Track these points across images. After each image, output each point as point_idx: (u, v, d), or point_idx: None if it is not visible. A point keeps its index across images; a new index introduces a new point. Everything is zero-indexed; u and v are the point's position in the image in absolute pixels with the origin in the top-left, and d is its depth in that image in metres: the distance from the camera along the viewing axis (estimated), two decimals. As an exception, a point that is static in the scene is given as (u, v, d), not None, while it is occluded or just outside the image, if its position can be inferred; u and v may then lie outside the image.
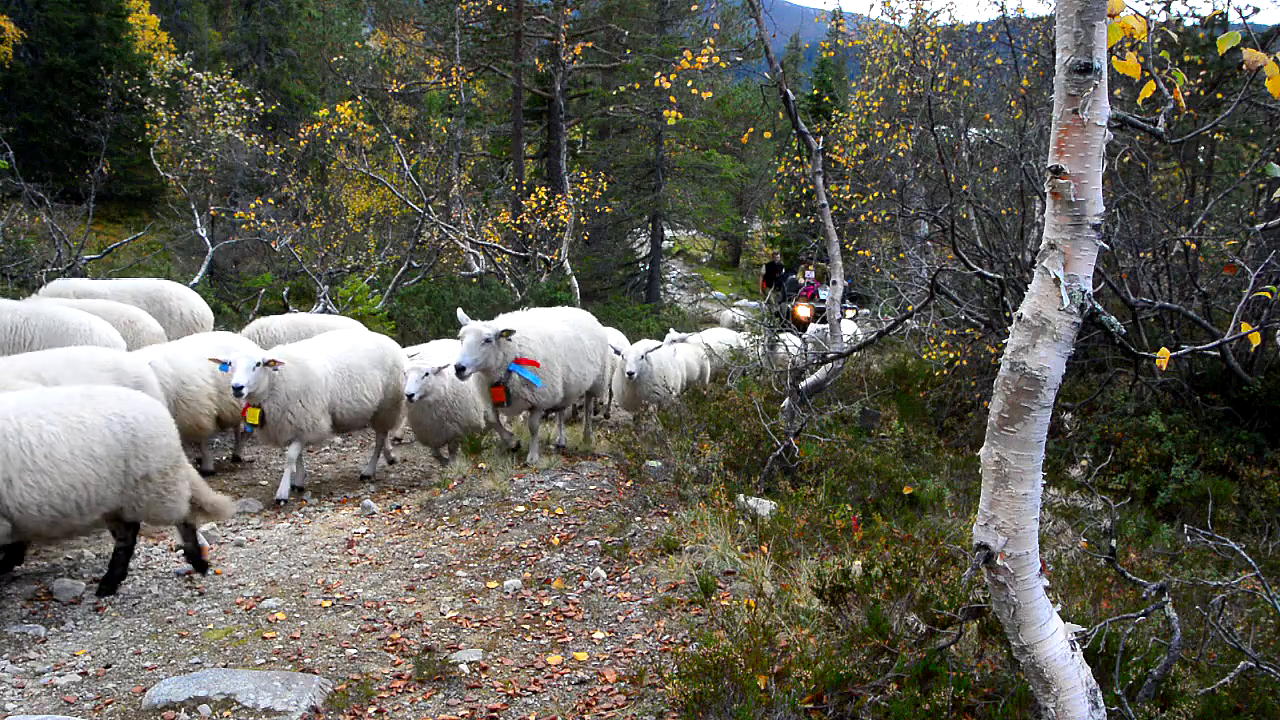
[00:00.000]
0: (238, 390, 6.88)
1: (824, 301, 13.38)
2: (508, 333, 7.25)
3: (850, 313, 12.96)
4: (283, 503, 7.27)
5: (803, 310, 14.66)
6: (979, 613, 3.50)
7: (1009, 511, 2.69)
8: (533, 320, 7.94)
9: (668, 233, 32.23)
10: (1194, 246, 8.15)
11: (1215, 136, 9.00)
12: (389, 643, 4.64)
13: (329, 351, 7.84)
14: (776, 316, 12.06)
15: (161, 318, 9.08)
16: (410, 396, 7.33)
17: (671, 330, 11.03)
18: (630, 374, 9.00)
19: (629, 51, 24.02)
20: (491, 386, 7.47)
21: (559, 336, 7.93)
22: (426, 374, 7.43)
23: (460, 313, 7.55)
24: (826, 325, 9.53)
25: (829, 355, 8.19)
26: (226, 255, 21.27)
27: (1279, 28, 9.78)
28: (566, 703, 3.99)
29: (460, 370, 6.99)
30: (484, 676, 4.24)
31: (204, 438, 8.01)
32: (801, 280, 17.92)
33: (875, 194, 13.28)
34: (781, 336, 11.99)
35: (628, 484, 7.17)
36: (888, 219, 13.35)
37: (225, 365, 7.10)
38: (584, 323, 8.59)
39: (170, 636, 4.68)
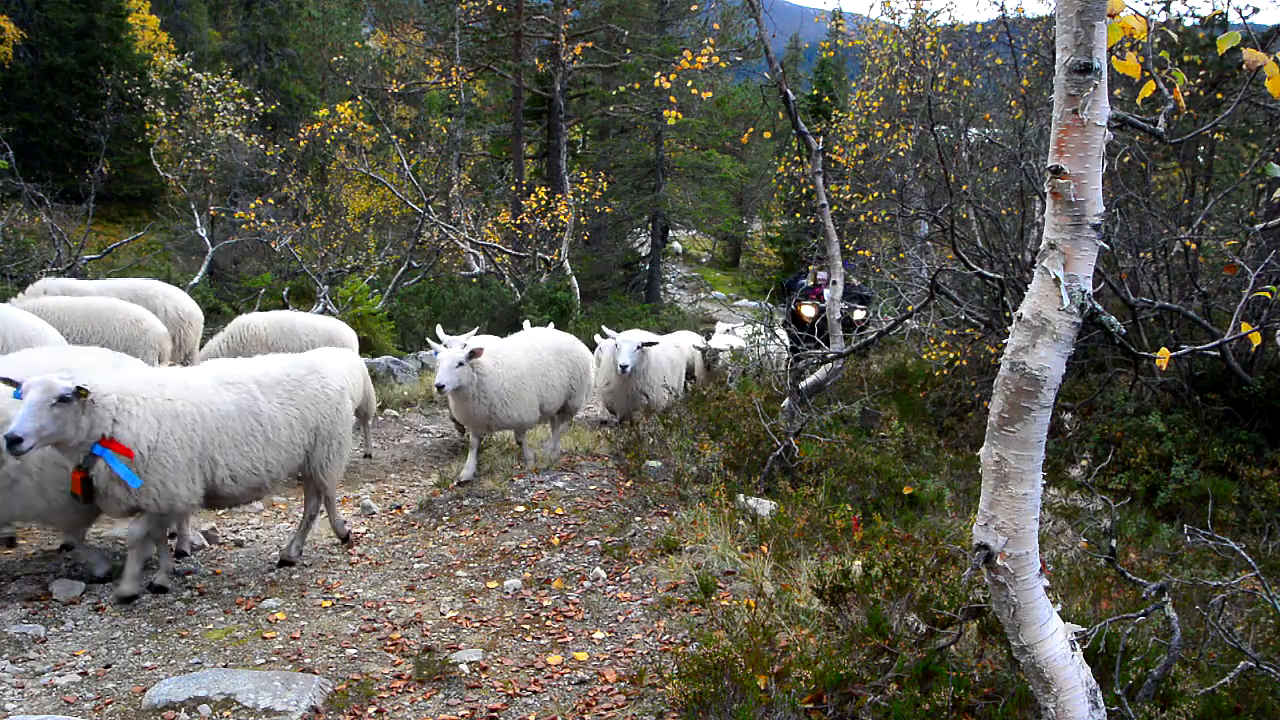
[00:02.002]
0: None
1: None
2: (81, 392, 4.67)
3: (859, 313, 12.90)
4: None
5: (807, 309, 14.49)
6: (979, 613, 3.50)
7: (1009, 511, 2.69)
8: (168, 380, 5.18)
9: (669, 233, 32.22)
10: (1194, 246, 8.14)
11: (1215, 136, 8.99)
12: (389, 643, 4.65)
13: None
14: (783, 318, 12.01)
15: None
16: None
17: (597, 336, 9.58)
18: (439, 386, 6.86)
19: (629, 51, 24.02)
20: (74, 470, 4.84)
21: (190, 413, 5.07)
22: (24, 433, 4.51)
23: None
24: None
25: (829, 355, 8.19)
26: (226, 255, 21.30)
27: (1279, 28, 9.78)
28: (566, 703, 3.99)
29: (14, 443, 4.47)
30: (484, 676, 4.24)
31: None
32: (809, 281, 17.82)
33: (875, 194, 13.27)
34: (715, 343, 11.70)
35: (628, 484, 7.17)
36: (888, 219, 13.35)
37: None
38: (297, 356, 5.91)
39: (170, 636, 4.68)
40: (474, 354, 7.00)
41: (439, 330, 7.87)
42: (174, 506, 5.08)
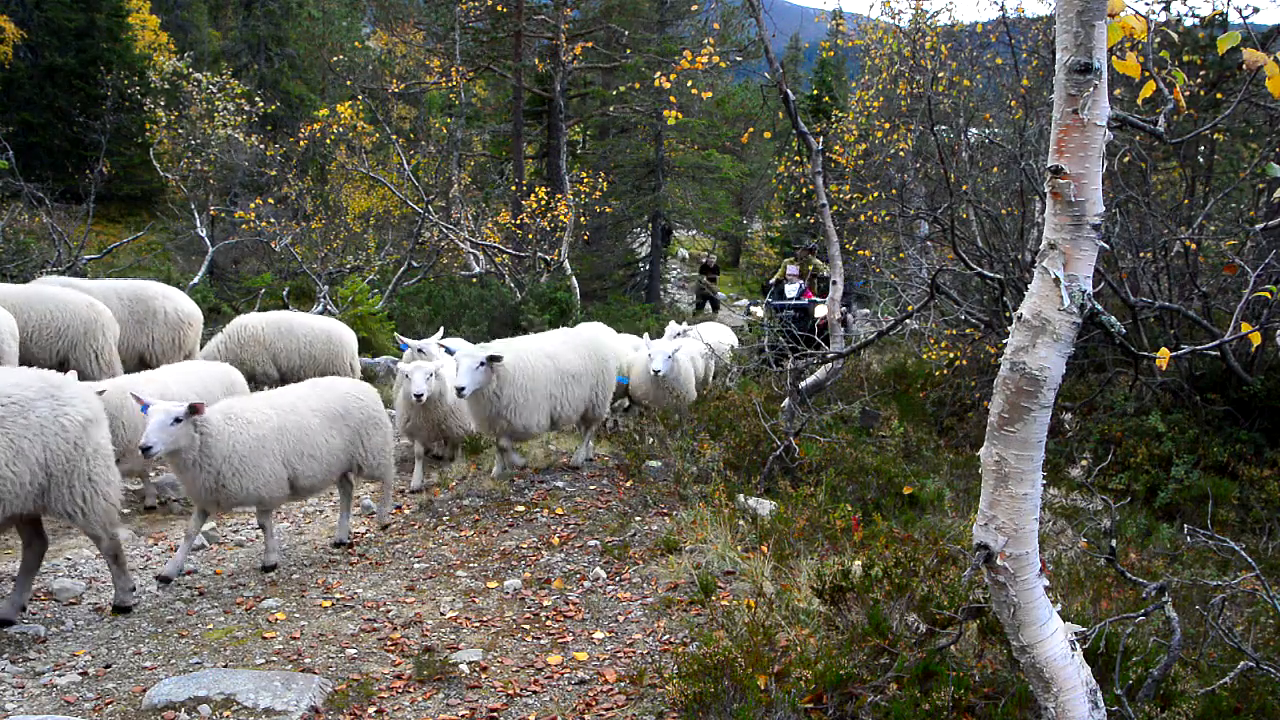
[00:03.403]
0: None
1: (791, 299, 13.26)
2: None
3: (821, 309, 12.71)
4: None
5: (759, 313, 13.89)
6: (979, 613, 3.50)
7: (1009, 511, 2.69)
8: None
9: (671, 235, 32.19)
10: (1194, 246, 8.14)
11: (1215, 136, 8.99)
12: (389, 643, 4.65)
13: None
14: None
15: (146, 317, 8.95)
16: None
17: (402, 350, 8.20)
18: (143, 448, 5.08)
19: (629, 51, 24.00)
20: None
21: None
22: None
23: None
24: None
25: (829, 355, 8.18)
26: (226, 255, 21.28)
27: (1279, 28, 9.78)
28: (566, 703, 3.99)
29: None
30: (484, 676, 4.24)
31: None
32: (774, 279, 17.60)
33: (875, 194, 13.27)
34: (656, 350, 11.28)
35: (628, 484, 7.17)
36: (888, 219, 13.35)
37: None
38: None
39: (170, 636, 4.68)
40: (194, 410, 5.21)
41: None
42: None
